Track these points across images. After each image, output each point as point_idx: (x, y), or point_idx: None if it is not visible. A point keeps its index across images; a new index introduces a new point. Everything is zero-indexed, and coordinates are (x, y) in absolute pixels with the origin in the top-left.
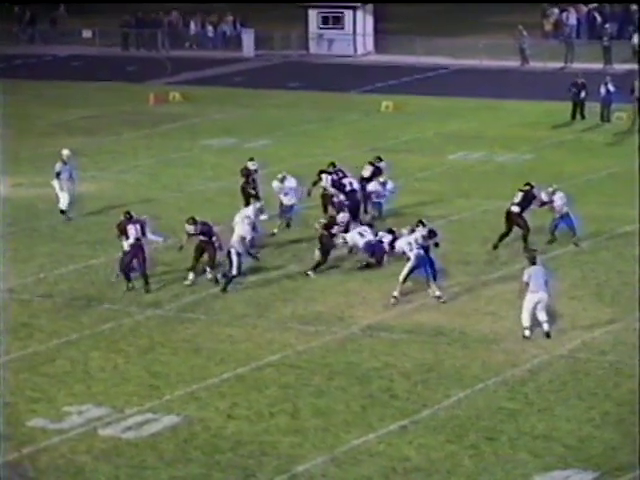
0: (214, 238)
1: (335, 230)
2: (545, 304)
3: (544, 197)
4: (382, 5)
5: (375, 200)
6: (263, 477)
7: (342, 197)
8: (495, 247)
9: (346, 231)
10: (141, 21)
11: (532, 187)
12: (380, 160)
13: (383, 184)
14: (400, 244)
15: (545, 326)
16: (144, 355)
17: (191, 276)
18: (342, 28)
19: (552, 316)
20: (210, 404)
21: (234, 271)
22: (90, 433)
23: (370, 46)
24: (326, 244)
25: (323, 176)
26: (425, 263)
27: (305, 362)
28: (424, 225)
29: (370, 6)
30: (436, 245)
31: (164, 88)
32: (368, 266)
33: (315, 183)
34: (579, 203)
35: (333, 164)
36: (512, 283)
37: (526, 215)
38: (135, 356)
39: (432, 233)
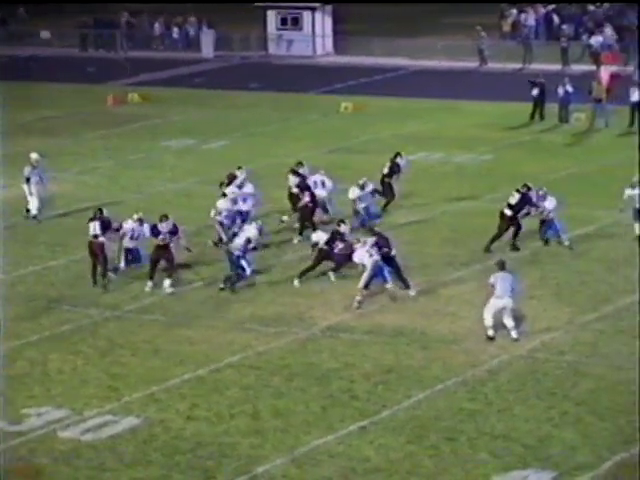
0: (177, 238)
1: (338, 244)
2: (510, 310)
3: (534, 199)
4: (341, 6)
5: (358, 205)
6: (223, 478)
7: (307, 198)
8: (487, 249)
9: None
10: (99, 22)
11: (529, 189)
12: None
13: (363, 187)
14: (359, 255)
15: (513, 333)
16: (103, 357)
17: (150, 284)
18: (301, 29)
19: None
20: (170, 406)
21: (248, 271)
22: (49, 435)
23: (329, 47)
24: (324, 257)
25: (289, 176)
26: (382, 270)
27: (265, 363)
28: (375, 234)
29: (329, 7)
30: (387, 254)
31: (123, 89)
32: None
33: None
34: None
35: (300, 163)
36: (472, 284)
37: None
38: (94, 358)
39: (379, 244)
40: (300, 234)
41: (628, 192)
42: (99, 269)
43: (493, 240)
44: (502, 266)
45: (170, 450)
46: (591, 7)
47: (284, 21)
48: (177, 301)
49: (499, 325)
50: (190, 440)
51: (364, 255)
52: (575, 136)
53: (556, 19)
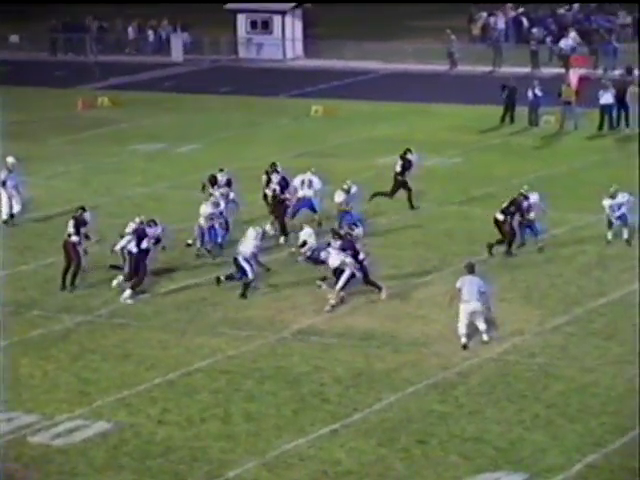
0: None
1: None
2: (482, 313)
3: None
4: (311, 10)
5: (344, 209)
6: None
7: (286, 195)
8: (490, 252)
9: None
10: (68, 26)
11: (525, 197)
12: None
13: (348, 190)
14: (335, 259)
15: (484, 336)
16: (74, 361)
17: (118, 279)
18: (271, 33)
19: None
20: (141, 410)
21: (250, 275)
22: (20, 440)
23: (299, 50)
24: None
25: (273, 177)
26: (357, 270)
27: (236, 367)
28: (340, 237)
29: (299, 11)
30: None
31: (92, 93)
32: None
33: (267, 184)
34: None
35: (274, 164)
36: (443, 286)
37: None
38: (65, 362)
39: (344, 247)
40: (285, 234)
41: (607, 202)
42: (70, 271)
43: (501, 243)
44: (470, 269)
45: (141, 455)
46: (560, 10)
47: (254, 25)
48: (148, 305)
49: (473, 332)
50: (161, 444)
51: (339, 259)
52: (544, 139)
53: (525, 22)
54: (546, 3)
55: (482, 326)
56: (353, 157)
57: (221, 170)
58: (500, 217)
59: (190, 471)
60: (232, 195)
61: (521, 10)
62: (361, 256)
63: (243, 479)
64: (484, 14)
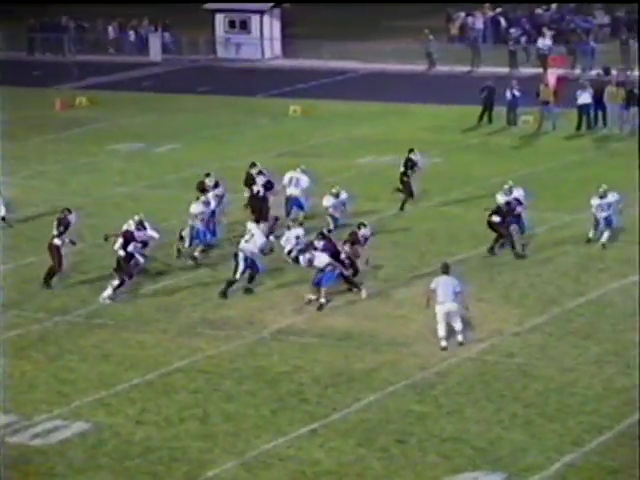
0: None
1: (359, 247)
2: (457, 313)
3: (500, 198)
4: (289, 9)
5: (332, 213)
6: None
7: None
8: (492, 252)
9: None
10: (47, 25)
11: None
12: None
13: (337, 195)
14: (321, 260)
15: (459, 337)
16: (52, 362)
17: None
18: (249, 32)
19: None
20: (119, 410)
21: (237, 275)
22: None
23: (278, 50)
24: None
25: (258, 179)
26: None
27: (215, 367)
28: (323, 237)
29: (277, 10)
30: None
31: (70, 93)
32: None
33: (250, 186)
34: (487, 205)
35: (254, 164)
36: (421, 286)
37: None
38: (43, 363)
39: (326, 247)
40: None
41: (595, 202)
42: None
43: (498, 242)
44: (445, 270)
45: (120, 455)
46: (538, 10)
47: (232, 24)
48: (126, 305)
49: (451, 332)
50: (140, 444)
51: (324, 260)
52: (523, 139)
53: (503, 22)
54: (524, 3)
55: (458, 327)
56: (332, 157)
57: (207, 175)
58: (496, 219)
59: (169, 471)
60: (224, 196)
61: (499, 10)
62: (342, 255)
63: (222, 479)
64: (462, 14)
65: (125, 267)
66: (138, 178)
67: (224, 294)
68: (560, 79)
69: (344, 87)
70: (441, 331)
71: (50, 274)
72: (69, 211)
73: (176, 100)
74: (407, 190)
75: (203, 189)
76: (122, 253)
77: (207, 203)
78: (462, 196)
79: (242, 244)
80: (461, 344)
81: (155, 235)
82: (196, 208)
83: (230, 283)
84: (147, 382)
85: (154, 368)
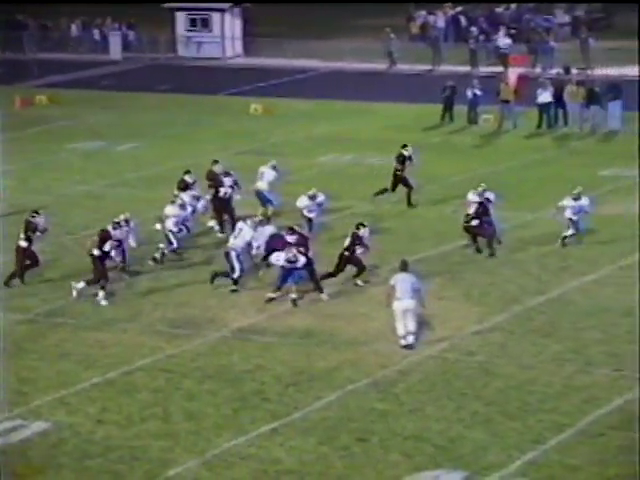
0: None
1: (358, 248)
2: (413, 312)
3: (471, 197)
4: (251, 8)
5: (306, 215)
6: None
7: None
8: (477, 250)
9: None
10: (7, 23)
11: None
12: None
13: (312, 197)
14: (302, 261)
15: (410, 338)
16: (12, 361)
17: (81, 284)
18: (210, 31)
19: (421, 317)
20: (80, 409)
21: (236, 273)
22: None
23: (239, 49)
24: (347, 263)
25: (226, 180)
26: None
27: (176, 366)
28: (295, 233)
29: (238, 9)
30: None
31: (30, 91)
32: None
33: (215, 188)
34: (448, 204)
35: (216, 161)
36: (382, 285)
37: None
38: (3, 362)
39: (298, 243)
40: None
41: (569, 203)
42: (25, 270)
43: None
44: (404, 267)
45: (80, 454)
46: (498, 9)
47: (193, 23)
48: (87, 304)
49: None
50: (100, 444)
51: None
52: (484, 137)
53: (463, 21)
54: (484, 3)
55: (411, 327)
56: (293, 155)
57: (187, 172)
58: (475, 223)
59: (130, 470)
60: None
61: (459, 9)
62: (310, 253)
63: (183, 478)
64: (423, 13)
65: (98, 267)
66: (98, 176)
67: (235, 290)
68: (520, 78)
69: (305, 86)
70: (400, 329)
71: (13, 275)
72: (37, 213)
73: (137, 98)
74: (407, 184)
75: (185, 188)
76: (96, 252)
77: (183, 206)
78: (423, 195)
79: (231, 241)
80: (410, 347)
81: (132, 243)
82: (172, 211)
83: (235, 282)
84: (108, 381)
85: (115, 367)
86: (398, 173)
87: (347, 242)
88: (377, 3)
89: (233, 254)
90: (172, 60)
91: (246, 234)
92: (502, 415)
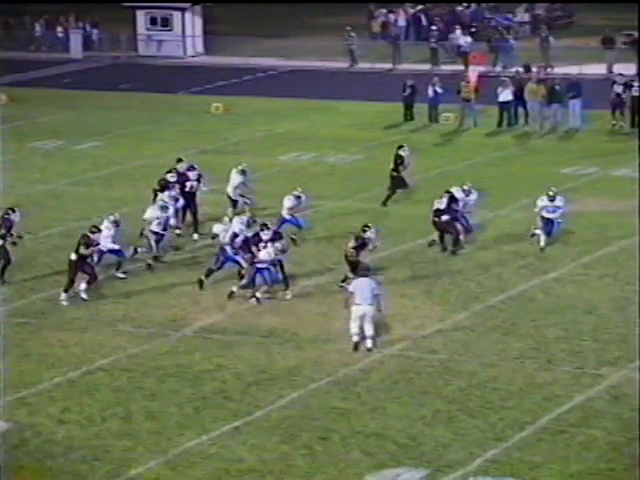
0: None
1: (365, 251)
2: (372, 317)
3: (458, 194)
4: (211, 7)
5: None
6: None
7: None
8: (443, 249)
9: None
10: None
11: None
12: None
13: (298, 197)
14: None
15: (368, 342)
16: None
17: (63, 296)
18: (171, 30)
19: (383, 316)
20: (41, 409)
21: (243, 264)
22: None
23: (199, 47)
24: (355, 265)
25: (190, 174)
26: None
27: (137, 365)
28: (267, 227)
29: (199, 8)
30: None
31: None
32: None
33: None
34: (410, 202)
35: (180, 159)
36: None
37: None
38: None
39: (274, 239)
40: (196, 230)
41: (543, 203)
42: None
43: (430, 245)
44: (364, 272)
45: (41, 454)
46: (459, 8)
47: (154, 21)
48: (48, 303)
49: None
50: (61, 444)
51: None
52: (444, 136)
53: (424, 20)
54: (445, 2)
55: (370, 332)
56: (255, 154)
57: (180, 160)
58: (445, 218)
59: (91, 470)
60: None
61: (420, 7)
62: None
63: (145, 478)
64: (384, 11)
65: (75, 271)
66: (59, 175)
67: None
68: (481, 76)
69: (266, 84)
70: (354, 328)
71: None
72: (12, 210)
73: (97, 97)
74: (398, 184)
75: (164, 188)
76: (73, 257)
77: (165, 208)
78: (384, 193)
79: (222, 240)
80: (370, 350)
81: (115, 246)
82: (152, 213)
83: (242, 277)
84: (69, 381)
85: (76, 367)
86: (394, 174)
87: (351, 244)
88: (338, 2)
89: (228, 249)
90: (133, 59)
91: (234, 227)
92: (463, 413)
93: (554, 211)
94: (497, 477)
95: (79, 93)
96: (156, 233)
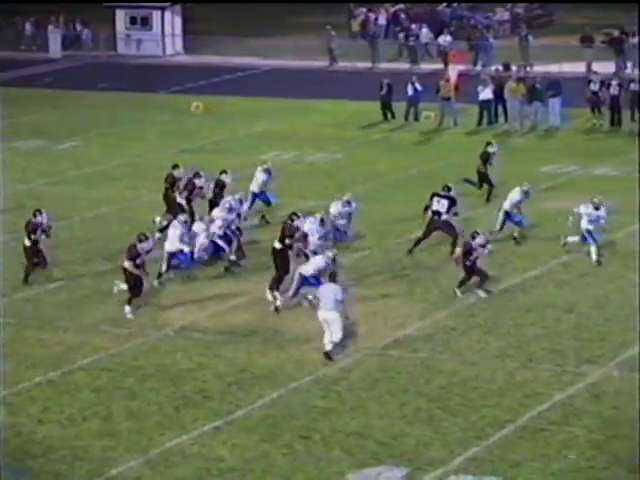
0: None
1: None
2: (336, 323)
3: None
4: (191, 6)
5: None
6: None
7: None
8: (410, 252)
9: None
10: None
11: (450, 189)
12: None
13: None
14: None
15: (328, 346)
16: None
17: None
18: (150, 29)
19: (363, 314)
20: (21, 409)
21: (227, 250)
22: None
23: (179, 47)
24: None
25: (197, 181)
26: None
27: (117, 365)
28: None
29: (178, 7)
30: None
31: None
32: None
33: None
34: (389, 201)
35: (176, 166)
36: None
37: None
38: None
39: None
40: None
41: (588, 210)
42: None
43: (417, 243)
44: (332, 278)
45: (21, 454)
46: (439, 7)
47: (133, 20)
48: (28, 303)
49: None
50: (42, 444)
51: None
52: (424, 134)
53: (404, 19)
54: (425, 2)
55: (335, 337)
56: (235, 153)
57: (176, 167)
58: (445, 217)
59: (71, 470)
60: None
61: (400, 7)
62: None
63: (125, 477)
64: (364, 10)
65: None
66: (39, 175)
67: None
68: (461, 75)
69: (246, 83)
70: (326, 337)
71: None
72: (40, 212)
73: (77, 97)
74: (488, 181)
75: (173, 183)
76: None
77: (230, 209)
78: (364, 192)
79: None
80: (327, 354)
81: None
82: (218, 213)
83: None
84: (49, 381)
85: (56, 366)
86: (482, 170)
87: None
88: (318, 2)
89: (220, 242)
90: (112, 58)
91: (217, 217)
92: (444, 411)
93: (597, 220)
94: (478, 475)
95: (59, 92)
96: (225, 235)
